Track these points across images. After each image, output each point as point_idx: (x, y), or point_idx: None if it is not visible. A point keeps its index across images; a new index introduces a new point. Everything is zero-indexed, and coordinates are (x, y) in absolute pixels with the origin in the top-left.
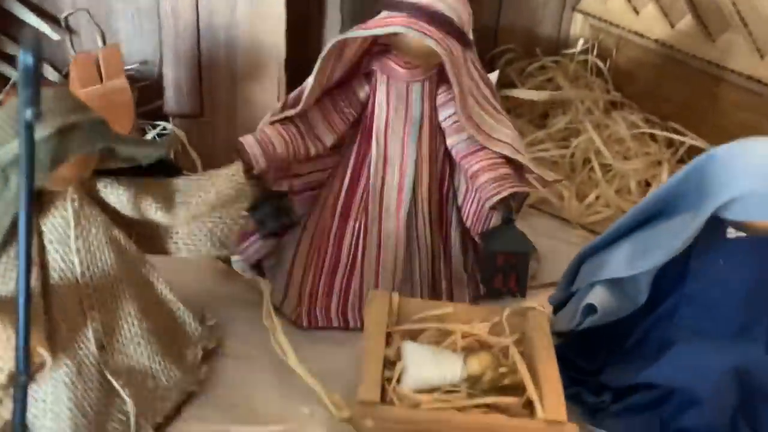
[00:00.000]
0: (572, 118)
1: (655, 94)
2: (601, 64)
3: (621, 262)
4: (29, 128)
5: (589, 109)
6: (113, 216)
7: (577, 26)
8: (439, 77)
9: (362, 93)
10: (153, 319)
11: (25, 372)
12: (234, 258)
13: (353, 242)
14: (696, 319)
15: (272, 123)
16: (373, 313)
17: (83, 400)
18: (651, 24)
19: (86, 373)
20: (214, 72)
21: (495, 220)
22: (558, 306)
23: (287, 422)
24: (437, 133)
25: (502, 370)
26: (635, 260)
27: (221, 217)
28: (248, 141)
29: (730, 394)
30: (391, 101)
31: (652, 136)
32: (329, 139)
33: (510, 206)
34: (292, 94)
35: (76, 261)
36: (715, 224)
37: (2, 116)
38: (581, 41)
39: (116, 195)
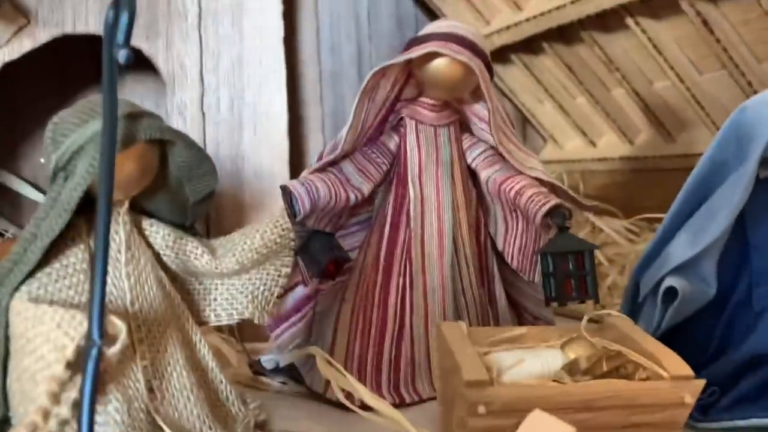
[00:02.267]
0: None
1: (632, 207)
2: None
3: (682, 247)
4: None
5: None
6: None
7: None
8: (462, 126)
9: (392, 143)
10: (199, 381)
11: (99, 338)
12: (265, 357)
13: (399, 299)
14: None
15: (311, 173)
16: (448, 334)
17: None
18: (611, 148)
19: (135, 416)
20: (221, 200)
21: (546, 237)
22: None
23: None
24: (468, 177)
25: (603, 348)
26: (698, 238)
27: (265, 275)
28: (292, 182)
29: None
30: (421, 145)
31: None
32: (366, 188)
33: (564, 214)
34: (328, 146)
35: (126, 286)
36: (762, 188)
37: (68, 112)
38: None
39: (161, 235)
